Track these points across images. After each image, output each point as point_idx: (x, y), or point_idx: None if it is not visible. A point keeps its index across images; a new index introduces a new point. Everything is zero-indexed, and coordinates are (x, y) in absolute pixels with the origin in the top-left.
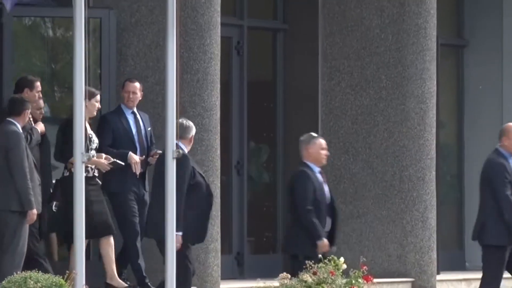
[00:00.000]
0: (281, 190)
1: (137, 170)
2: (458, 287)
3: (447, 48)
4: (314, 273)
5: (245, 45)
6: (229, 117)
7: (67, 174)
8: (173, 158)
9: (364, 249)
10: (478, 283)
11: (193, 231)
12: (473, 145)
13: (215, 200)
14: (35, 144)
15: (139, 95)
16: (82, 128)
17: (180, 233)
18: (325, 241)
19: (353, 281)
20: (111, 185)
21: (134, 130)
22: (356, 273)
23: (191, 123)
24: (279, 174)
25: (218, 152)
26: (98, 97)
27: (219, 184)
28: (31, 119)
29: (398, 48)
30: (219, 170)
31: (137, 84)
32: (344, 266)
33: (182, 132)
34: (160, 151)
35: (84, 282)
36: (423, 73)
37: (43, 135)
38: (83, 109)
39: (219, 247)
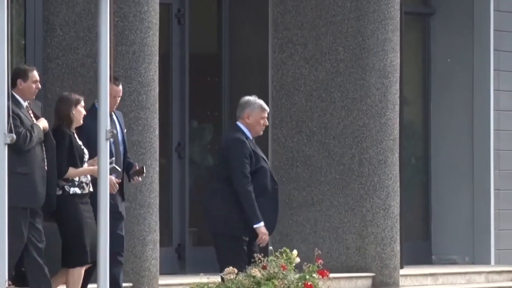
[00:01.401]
0: None
1: (113, 190)
2: (423, 283)
3: (412, 17)
4: (264, 268)
5: (187, 13)
6: (168, 94)
7: (59, 192)
8: (106, 139)
9: (320, 241)
10: (445, 278)
11: (268, 219)
12: (441, 124)
13: (153, 186)
14: (37, 143)
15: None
16: (4, 107)
17: (262, 223)
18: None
19: (307, 277)
20: None
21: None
22: (310, 268)
23: (248, 98)
24: None
25: (157, 132)
26: (83, 102)
27: (157, 169)
28: (32, 114)
29: (358, 16)
30: (158, 153)
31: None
32: (297, 259)
33: (237, 110)
34: (141, 166)
35: None
36: (385, 45)
37: (46, 133)
38: (6, 84)
39: (157, 238)
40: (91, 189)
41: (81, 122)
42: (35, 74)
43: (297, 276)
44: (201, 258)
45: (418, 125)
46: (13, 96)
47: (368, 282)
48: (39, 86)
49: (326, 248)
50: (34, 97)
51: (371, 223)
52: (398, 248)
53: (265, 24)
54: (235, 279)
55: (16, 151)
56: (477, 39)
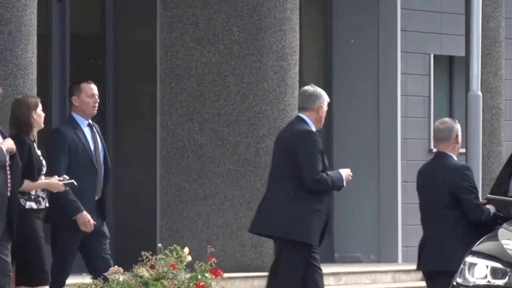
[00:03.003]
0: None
1: (88, 229)
2: (325, 283)
3: None
4: (152, 267)
5: None
6: (48, 77)
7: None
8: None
9: (213, 237)
10: (349, 278)
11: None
12: (344, 111)
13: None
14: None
15: None
16: None
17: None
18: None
19: (199, 276)
20: (58, 217)
21: (92, 147)
22: (202, 267)
23: (317, 91)
24: (110, 145)
25: None
26: (40, 104)
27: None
28: None
29: None
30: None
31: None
32: (189, 258)
33: (304, 101)
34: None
35: None
36: (283, 24)
37: (13, 155)
38: None
39: None
40: (47, 204)
41: (42, 125)
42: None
43: (188, 276)
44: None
45: None
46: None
47: (265, 282)
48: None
49: (219, 246)
50: None
51: None
52: None
53: (153, 2)
54: (120, 279)
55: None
56: (383, 18)
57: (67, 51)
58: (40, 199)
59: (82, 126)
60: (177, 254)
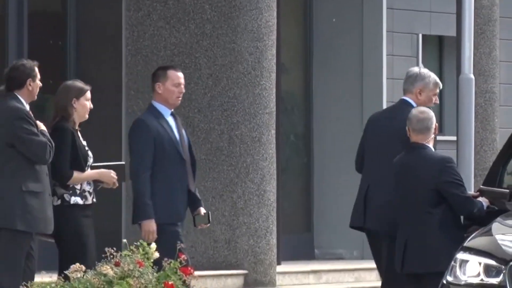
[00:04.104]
0: None
1: (149, 240)
2: (304, 281)
3: None
4: (117, 264)
5: None
6: (4, 59)
7: (57, 202)
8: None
9: (183, 232)
10: (330, 276)
11: None
12: (325, 95)
13: None
14: None
15: None
16: None
17: None
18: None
19: (168, 275)
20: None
21: (178, 138)
22: (171, 264)
23: (419, 70)
24: None
25: None
26: (88, 94)
27: None
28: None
29: None
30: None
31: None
32: (156, 254)
33: (405, 82)
34: (206, 213)
35: None
36: (259, 2)
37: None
38: None
39: None
40: (94, 200)
41: (86, 117)
42: (37, 71)
43: (156, 274)
44: (42, 254)
45: (298, 97)
46: (17, 98)
47: (240, 280)
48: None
49: (190, 241)
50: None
51: (243, 212)
52: (275, 241)
53: None
54: (82, 277)
55: (35, 163)
56: None
57: (25, 31)
58: (87, 194)
59: (165, 116)
60: (143, 250)
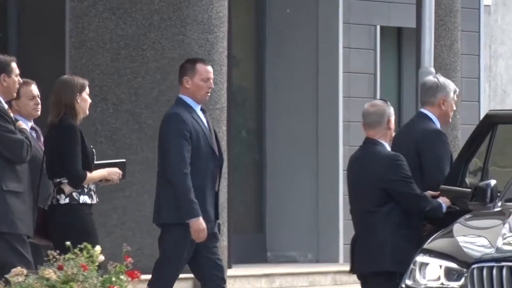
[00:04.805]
0: None
1: (200, 238)
2: (256, 285)
3: None
4: (60, 268)
5: None
6: None
7: (66, 200)
8: None
9: (129, 234)
10: (283, 280)
11: None
12: (278, 90)
13: None
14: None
15: None
16: None
17: None
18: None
19: (113, 279)
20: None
21: (208, 134)
22: (117, 268)
23: (440, 81)
24: None
25: None
26: (88, 88)
27: None
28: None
29: None
30: None
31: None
32: (101, 257)
33: (424, 94)
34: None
35: None
36: None
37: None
38: None
39: None
40: (97, 199)
41: (87, 112)
42: (16, 66)
43: (101, 278)
44: None
45: (250, 91)
46: None
47: (188, 285)
48: (20, 80)
49: (136, 244)
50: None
51: None
52: (225, 243)
53: None
54: (24, 281)
55: (13, 162)
56: None
57: None
58: (92, 192)
59: (196, 110)
60: (88, 253)
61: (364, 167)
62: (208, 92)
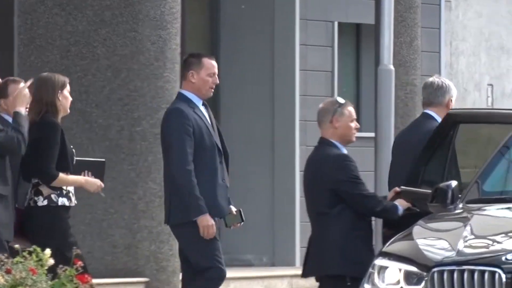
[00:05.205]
0: None
1: (209, 235)
2: None
3: None
4: (8, 272)
5: None
6: None
7: (44, 202)
8: None
9: (79, 237)
10: (238, 284)
11: None
12: (233, 87)
13: None
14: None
15: None
16: None
17: None
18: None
19: (63, 283)
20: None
21: (211, 129)
22: (67, 271)
23: (446, 82)
24: None
25: None
26: (68, 86)
27: None
28: None
29: None
30: None
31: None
32: (51, 261)
33: (432, 94)
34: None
35: None
36: None
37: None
38: None
39: None
40: (75, 202)
41: (68, 111)
42: None
43: (50, 282)
44: None
45: None
46: None
47: None
48: None
49: (86, 247)
50: None
51: (145, 215)
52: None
53: None
54: None
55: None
56: None
57: None
58: (71, 195)
59: (198, 105)
60: (37, 256)
61: (315, 167)
62: (212, 88)
